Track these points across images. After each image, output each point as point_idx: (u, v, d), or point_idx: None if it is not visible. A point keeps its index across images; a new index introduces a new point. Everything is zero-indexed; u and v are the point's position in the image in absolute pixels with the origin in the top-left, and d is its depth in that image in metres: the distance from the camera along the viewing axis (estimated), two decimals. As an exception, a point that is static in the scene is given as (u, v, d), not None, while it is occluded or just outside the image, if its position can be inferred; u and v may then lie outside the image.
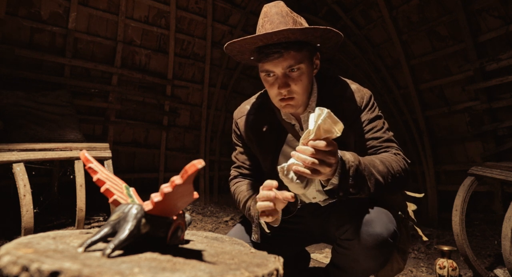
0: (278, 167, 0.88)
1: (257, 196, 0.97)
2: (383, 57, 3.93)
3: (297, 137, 1.15)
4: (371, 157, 1.02)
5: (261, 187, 0.97)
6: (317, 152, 0.82)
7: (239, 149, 1.31)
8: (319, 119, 0.81)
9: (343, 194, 0.90)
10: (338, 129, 0.82)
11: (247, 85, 4.81)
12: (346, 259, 1.08)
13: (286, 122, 1.17)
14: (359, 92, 1.14)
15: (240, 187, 1.23)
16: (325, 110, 0.80)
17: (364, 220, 0.99)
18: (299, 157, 0.84)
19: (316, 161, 0.82)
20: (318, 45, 1.07)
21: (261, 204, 0.94)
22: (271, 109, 1.21)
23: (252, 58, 1.10)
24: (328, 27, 0.96)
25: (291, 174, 0.87)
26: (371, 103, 1.15)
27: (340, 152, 0.90)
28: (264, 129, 1.20)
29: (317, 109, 0.81)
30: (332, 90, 1.15)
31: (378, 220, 0.99)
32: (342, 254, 1.09)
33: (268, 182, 0.95)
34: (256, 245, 1.20)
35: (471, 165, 1.97)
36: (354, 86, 1.17)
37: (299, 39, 0.99)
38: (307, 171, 0.83)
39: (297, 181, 0.87)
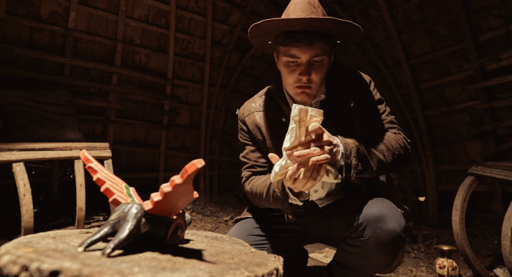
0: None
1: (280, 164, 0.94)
2: (383, 56, 3.93)
3: None
4: (371, 138, 1.07)
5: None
6: (309, 144, 0.87)
7: (249, 148, 1.27)
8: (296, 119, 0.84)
9: (349, 175, 0.96)
10: (319, 118, 0.86)
11: (247, 84, 4.81)
12: (357, 257, 1.08)
13: None
14: (362, 77, 1.20)
15: (257, 182, 1.19)
16: (296, 108, 0.83)
17: (377, 217, 1.00)
18: (302, 156, 0.86)
19: (314, 151, 0.85)
20: (338, 42, 1.11)
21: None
22: (277, 105, 1.21)
23: (270, 42, 1.12)
24: (359, 26, 1.02)
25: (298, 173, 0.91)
26: (372, 87, 1.20)
27: (340, 138, 0.97)
28: (271, 125, 1.20)
29: (293, 107, 0.84)
30: (337, 77, 1.19)
31: (390, 216, 1.00)
32: (352, 252, 1.08)
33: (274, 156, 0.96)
34: (254, 244, 1.20)
35: (471, 164, 1.97)
36: (356, 71, 1.22)
37: (334, 31, 1.03)
38: (322, 157, 0.84)
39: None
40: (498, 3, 2.73)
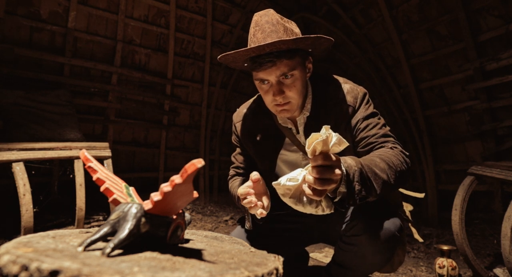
0: (279, 187, 0.87)
1: (238, 191, 0.99)
2: (383, 56, 3.93)
3: (294, 141, 1.16)
4: (370, 155, 0.98)
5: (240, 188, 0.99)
6: (321, 171, 0.76)
7: (237, 150, 1.35)
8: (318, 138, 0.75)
9: (353, 202, 0.84)
10: (341, 147, 0.79)
11: (247, 84, 4.81)
12: (353, 255, 1.08)
13: (282, 126, 1.18)
14: (353, 91, 1.13)
15: (234, 183, 1.28)
16: (332, 134, 0.76)
17: (372, 215, 1.01)
18: (308, 179, 0.80)
19: (320, 182, 0.77)
20: (310, 50, 1.07)
21: (244, 202, 0.98)
22: (267, 114, 1.21)
23: (246, 65, 1.11)
24: (319, 35, 0.97)
25: (304, 199, 0.87)
26: (365, 102, 1.14)
27: (342, 160, 0.85)
28: (261, 134, 1.21)
29: (323, 129, 0.76)
30: (326, 91, 1.15)
31: (385, 215, 1.02)
32: (348, 251, 1.09)
33: (245, 191, 0.96)
34: (256, 244, 1.20)
35: (471, 164, 1.97)
36: (347, 85, 1.15)
37: (291, 47, 0.99)
38: (311, 194, 0.79)
39: (307, 203, 0.88)
40: (498, 3, 2.73)
